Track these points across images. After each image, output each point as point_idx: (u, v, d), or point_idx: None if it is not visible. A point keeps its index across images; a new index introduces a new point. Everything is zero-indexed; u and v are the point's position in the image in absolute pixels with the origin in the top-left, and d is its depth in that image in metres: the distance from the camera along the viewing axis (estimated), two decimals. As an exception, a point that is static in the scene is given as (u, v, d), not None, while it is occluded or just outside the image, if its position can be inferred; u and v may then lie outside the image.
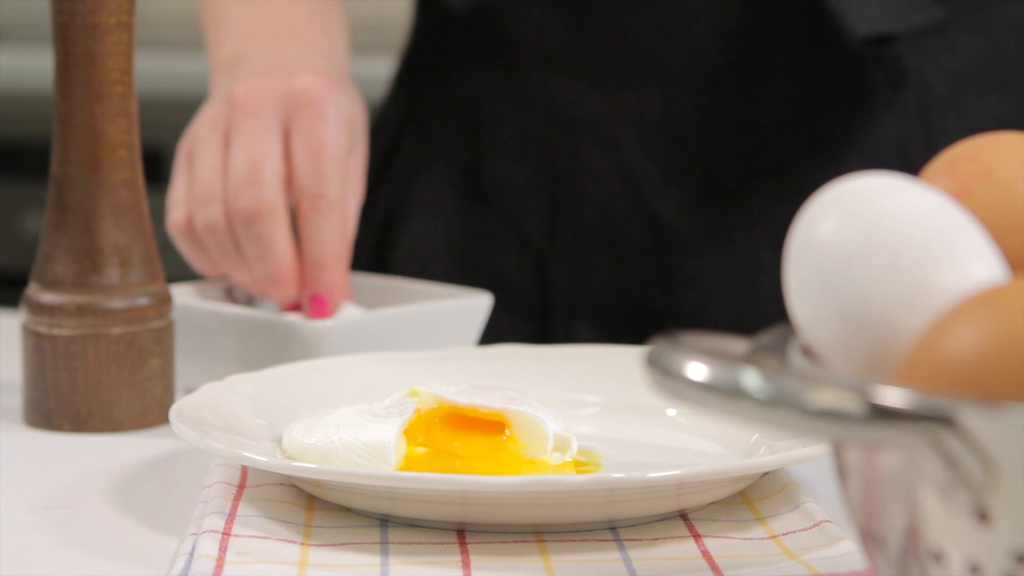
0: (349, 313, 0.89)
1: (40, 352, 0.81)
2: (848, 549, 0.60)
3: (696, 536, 0.64)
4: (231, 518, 0.64)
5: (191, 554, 0.60)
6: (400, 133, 1.11)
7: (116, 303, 0.81)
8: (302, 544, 0.62)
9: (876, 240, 0.48)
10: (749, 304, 1.00)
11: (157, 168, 1.94)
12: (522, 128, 1.05)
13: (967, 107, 1.01)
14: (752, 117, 1.00)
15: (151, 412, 0.82)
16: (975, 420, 0.43)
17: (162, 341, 0.82)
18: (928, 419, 0.43)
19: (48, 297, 0.81)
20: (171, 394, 0.83)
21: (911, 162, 0.99)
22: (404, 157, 1.10)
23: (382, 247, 1.10)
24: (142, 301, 0.82)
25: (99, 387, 0.81)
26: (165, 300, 0.83)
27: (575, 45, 1.02)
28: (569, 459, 0.70)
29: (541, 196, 1.04)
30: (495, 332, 0.96)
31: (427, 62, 1.10)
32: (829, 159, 1.00)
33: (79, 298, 0.81)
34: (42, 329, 0.81)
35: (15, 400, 0.84)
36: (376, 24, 2.03)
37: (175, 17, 2.38)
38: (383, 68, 1.27)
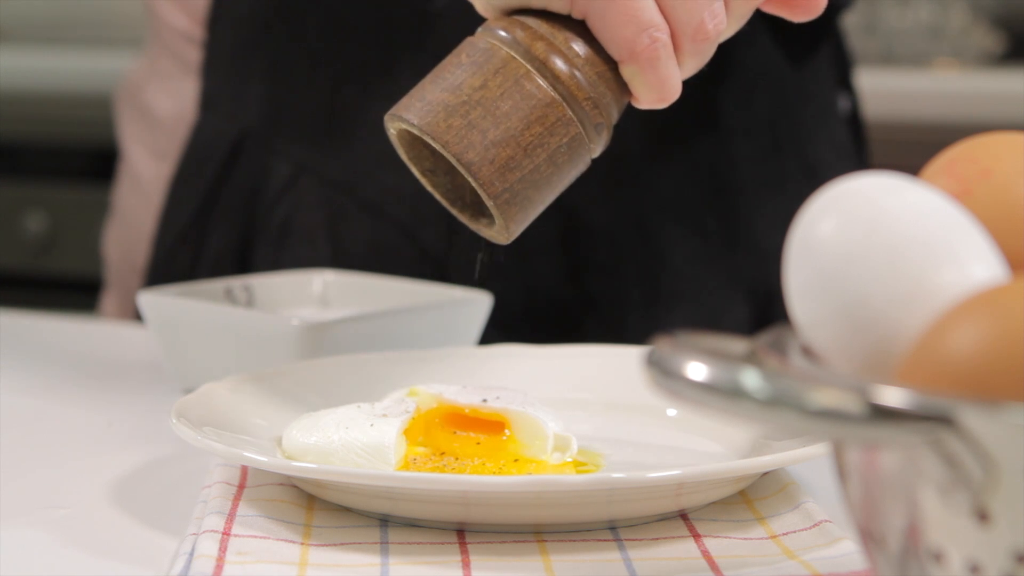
0: (348, 313, 0.89)
1: None
2: (848, 549, 0.60)
3: (696, 536, 0.64)
4: (231, 518, 0.64)
5: (191, 554, 0.60)
6: None
7: None
8: (302, 544, 0.62)
9: (876, 240, 0.48)
10: (663, 285, 1.00)
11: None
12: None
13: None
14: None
15: None
16: (975, 420, 0.43)
17: None
18: (928, 419, 0.43)
19: None
20: None
21: (796, 134, 1.05)
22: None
23: None
24: None
25: None
26: None
27: None
28: (569, 459, 0.70)
29: (434, 202, 1.01)
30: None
31: None
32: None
33: None
34: None
35: (15, 400, 0.84)
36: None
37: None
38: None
